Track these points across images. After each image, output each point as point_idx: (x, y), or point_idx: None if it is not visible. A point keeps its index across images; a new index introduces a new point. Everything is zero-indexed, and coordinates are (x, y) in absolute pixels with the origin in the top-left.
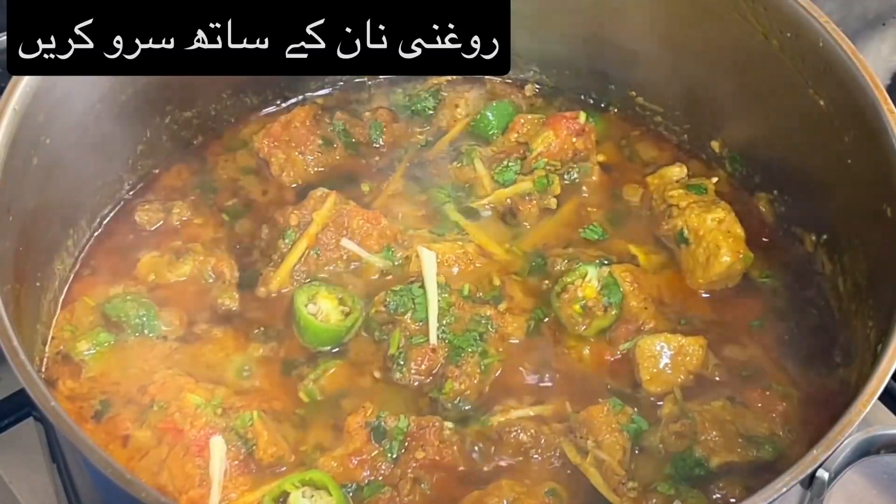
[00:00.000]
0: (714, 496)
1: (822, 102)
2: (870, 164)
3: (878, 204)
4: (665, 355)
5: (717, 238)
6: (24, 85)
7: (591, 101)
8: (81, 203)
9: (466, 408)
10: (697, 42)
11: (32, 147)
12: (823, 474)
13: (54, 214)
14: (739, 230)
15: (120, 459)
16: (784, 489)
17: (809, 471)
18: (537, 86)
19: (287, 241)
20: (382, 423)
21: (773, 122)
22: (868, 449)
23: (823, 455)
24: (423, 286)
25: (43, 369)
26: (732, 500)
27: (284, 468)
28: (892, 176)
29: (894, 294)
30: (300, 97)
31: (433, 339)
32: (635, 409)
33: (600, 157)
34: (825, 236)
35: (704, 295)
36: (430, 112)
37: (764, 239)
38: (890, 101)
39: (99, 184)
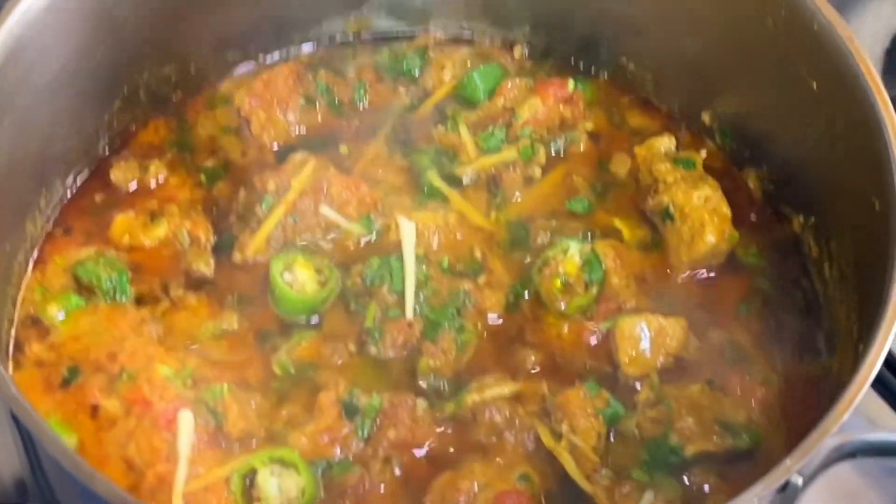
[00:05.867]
0: (690, 485)
1: (814, 85)
2: (860, 155)
3: (866, 196)
4: (645, 337)
5: (703, 217)
6: None
7: (582, 66)
8: (55, 161)
9: (441, 384)
10: (691, 13)
11: (2, 109)
12: (797, 479)
13: (26, 174)
14: (726, 209)
15: (88, 430)
16: (756, 500)
17: (783, 480)
18: (527, 48)
19: (264, 206)
20: (355, 401)
21: (764, 99)
22: (843, 454)
23: (797, 465)
24: (401, 258)
25: (12, 332)
26: (706, 488)
27: (254, 442)
28: (883, 170)
29: (879, 292)
30: (283, 53)
31: (409, 314)
32: (612, 392)
33: (588, 126)
34: (813, 219)
35: (688, 273)
36: (416, 73)
37: (752, 216)
38: (885, 92)
39: (74, 141)
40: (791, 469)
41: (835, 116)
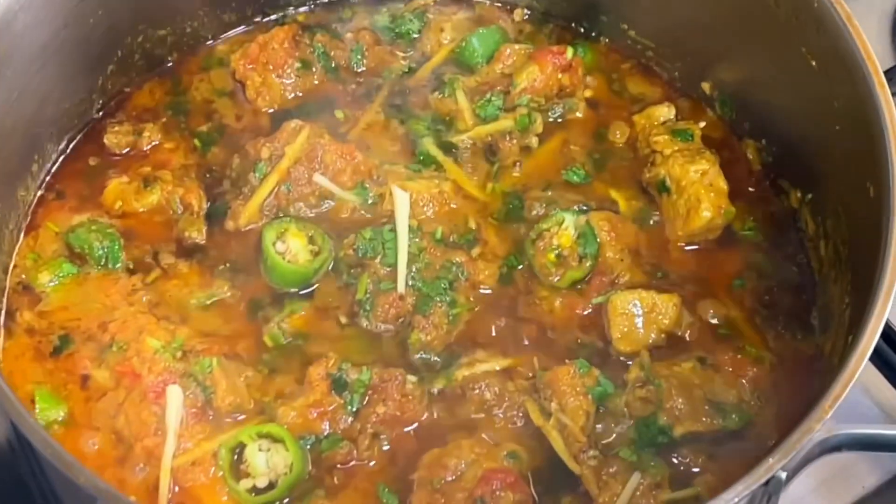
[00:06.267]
0: (678, 464)
1: (813, 63)
2: (857, 139)
3: (862, 180)
4: (637, 313)
5: (699, 191)
6: None
7: (582, 30)
8: (47, 127)
9: (433, 358)
10: None
11: None
12: (781, 474)
13: (18, 141)
14: (723, 183)
15: (77, 400)
16: (736, 499)
17: (766, 478)
18: (527, 11)
19: (258, 174)
20: (344, 375)
21: (765, 73)
22: (827, 448)
23: (780, 463)
24: (394, 229)
25: (3, 300)
26: (695, 470)
27: (243, 416)
28: (878, 155)
29: (870, 282)
30: (280, 14)
31: (401, 287)
32: (602, 369)
33: (588, 93)
34: (810, 195)
35: (683, 246)
36: (415, 35)
37: (749, 189)
38: (882, 75)
39: (66, 105)
40: (774, 467)
41: (833, 97)
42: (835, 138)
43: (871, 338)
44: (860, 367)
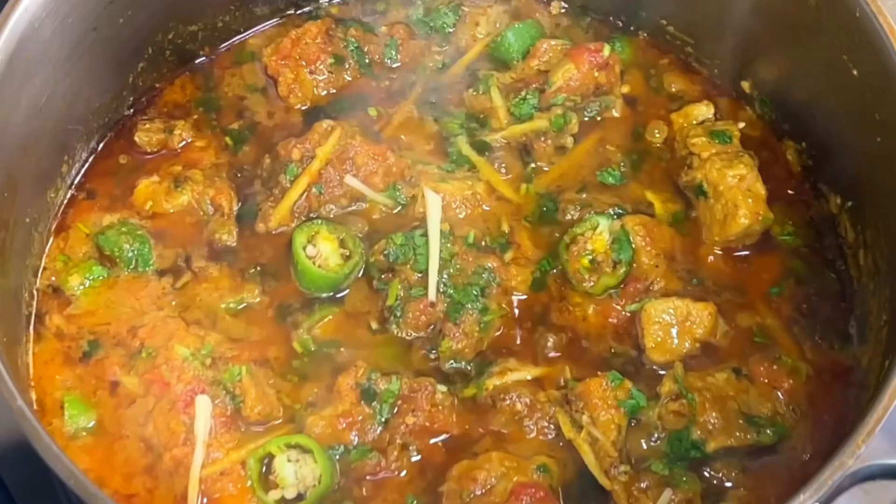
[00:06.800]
0: (710, 478)
1: (855, 72)
2: None
3: None
4: (672, 322)
5: (737, 197)
6: (7, 31)
7: (620, 24)
8: (76, 128)
9: (464, 366)
10: None
11: (18, 91)
12: None
13: (46, 144)
14: (761, 188)
15: (107, 407)
16: None
17: None
18: (564, 4)
19: (289, 176)
20: (373, 385)
21: (806, 76)
22: (859, 479)
23: (812, 498)
24: (425, 234)
25: (33, 304)
26: (728, 485)
27: (274, 423)
28: None
29: None
30: (314, 6)
31: (432, 295)
32: (635, 379)
33: (625, 89)
34: (850, 203)
35: (720, 251)
36: (450, 30)
37: (789, 191)
38: None
39: (97, 104)
40: (806, 503)
41: (875, 108)
42: (876, 150)
43: None
44: (894, 403)
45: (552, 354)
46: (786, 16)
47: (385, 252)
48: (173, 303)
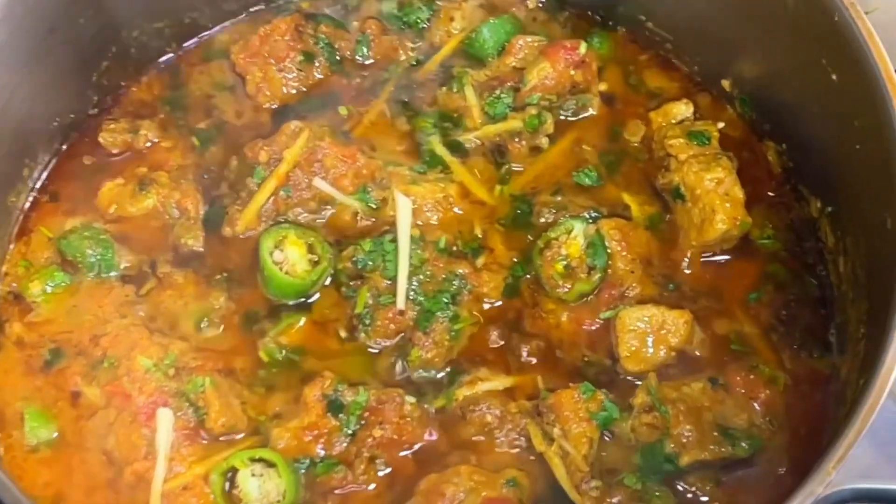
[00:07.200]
0: (684, 492)
1: (834, 77)
2: (875, 164)
3: (880, 210)
4: (647, 331)
5: (714, 201)
6: None
7: (599, 19)
8: (38, 132)
9: (436, 376)
10: None
11: None
12: None
13: (5, 149)
14: (739, 192)
15: (68, 418)
16: None
17: None
18: None
19: (256, 179)
20: (340, 397)
21: (786, 77)
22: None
23: None
24: (395, 240)
25: None
26: (703, 499)
27: (237, 436)
28: (894, 186)
29: (884, 322)
30: (283, 0)
31: (401, 303)
32: (608, 389)
33: (602, 86)
34: (830, 208)
35: (697, 256)
36: (423, 25)
37: (769, 193)
38: None
39: (59, 106)
40: None
41: (853, 115)
42: (855, 157)
43: (877, 397)
44: (866, 427)
45: (525, 361)
46: (764, 15)
47: (353, 259)
48: (138, 310)
